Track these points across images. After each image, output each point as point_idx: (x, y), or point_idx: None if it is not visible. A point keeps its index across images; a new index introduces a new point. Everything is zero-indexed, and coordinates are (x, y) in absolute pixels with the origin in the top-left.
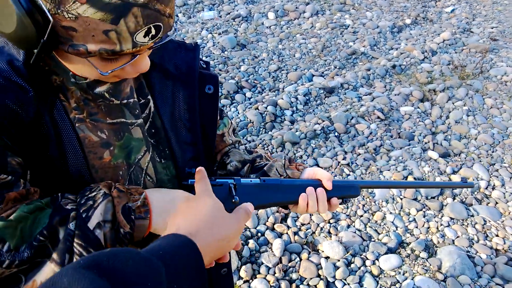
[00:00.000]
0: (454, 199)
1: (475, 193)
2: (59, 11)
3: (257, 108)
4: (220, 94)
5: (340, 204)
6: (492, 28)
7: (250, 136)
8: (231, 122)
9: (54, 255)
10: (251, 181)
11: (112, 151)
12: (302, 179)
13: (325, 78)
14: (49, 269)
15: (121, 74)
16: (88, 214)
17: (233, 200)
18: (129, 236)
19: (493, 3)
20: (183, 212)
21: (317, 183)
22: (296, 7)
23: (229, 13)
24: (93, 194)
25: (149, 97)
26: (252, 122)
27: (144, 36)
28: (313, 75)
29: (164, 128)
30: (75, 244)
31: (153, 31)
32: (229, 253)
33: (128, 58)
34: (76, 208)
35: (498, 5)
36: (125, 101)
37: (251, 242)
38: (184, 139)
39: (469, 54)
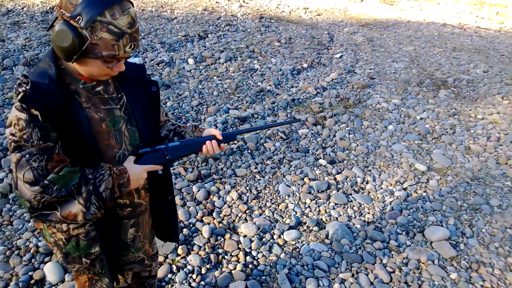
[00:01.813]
0: (338, 191)
1: (354, 186)
2: (92, 35)
3: None
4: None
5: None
6: (370, 69)
7: None
8: (164, 109)
9: (81, 201)
10: (174, 144)
11: (106, 123)
12: (203, 136)
13: (239, 110)
14: (78, 208)
15: (111, 72)
16: (99, 183)
17: (167, 158)
18: (117, 197)
19: (372, 50)
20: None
21: (212, 137)
22: (212, 54)
23: (153, 60)
24: (103, 172)
25: (122, 93)
26: None
27: (129, 48)
28: (229, 108)
29: (132, 110)
30: (92, 198)
31: (133, 46)
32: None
33: (116, 61)
34: (93, 177)
35: (376, 52)
36: (110, 95)
37: (185, 231)
38: (142, 117)
39: (352, 89)
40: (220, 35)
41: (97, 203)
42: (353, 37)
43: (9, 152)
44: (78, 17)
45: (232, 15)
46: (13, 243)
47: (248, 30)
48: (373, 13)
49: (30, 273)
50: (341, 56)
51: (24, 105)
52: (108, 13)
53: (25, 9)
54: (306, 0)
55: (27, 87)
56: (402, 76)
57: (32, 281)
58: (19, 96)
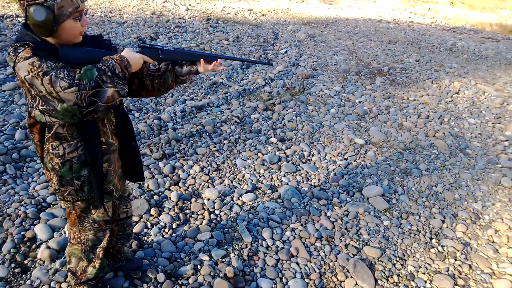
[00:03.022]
0: (288, 162)
1: (301, 158)
2: (55, 0)
3: (145, 122)
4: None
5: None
6: (313, 62)
7: (143, 139)
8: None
9: (110, 85)
10: (169, 48)
11: None
12: (194, 51)
13: (195, 101)
14: (111, 91)
15: (82, 28)
16: (114, 68)
17: (160, 56)
18: (128, 77)
19: (314, 45)
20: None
21: (205, 54)
22: None
23: None
24: (109, 61)
25: None
26: (143, 131)
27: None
28: (186, 99)
29: None
30: (115, 79)
31: None
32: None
33: (80, 15)
34: (106, 66)
35: (318, 46)
36: None
37: (156, 197)
38: None
39: (297, 80)
40: (171, 36)
41: (121, 81)
42: (296, 34)
43: (34, 93)
44: None
45: (180, 18)
46: (4, 211)
47: (197, 31)
48: (314, 12)
49: (22, 233)
50: (286, 51)
51: (32, 53)
52: None
53: None
54: (250, 3)
55: (31, 45)
56: (342, 67)
57: (25, 239)
58: (26, 49)
